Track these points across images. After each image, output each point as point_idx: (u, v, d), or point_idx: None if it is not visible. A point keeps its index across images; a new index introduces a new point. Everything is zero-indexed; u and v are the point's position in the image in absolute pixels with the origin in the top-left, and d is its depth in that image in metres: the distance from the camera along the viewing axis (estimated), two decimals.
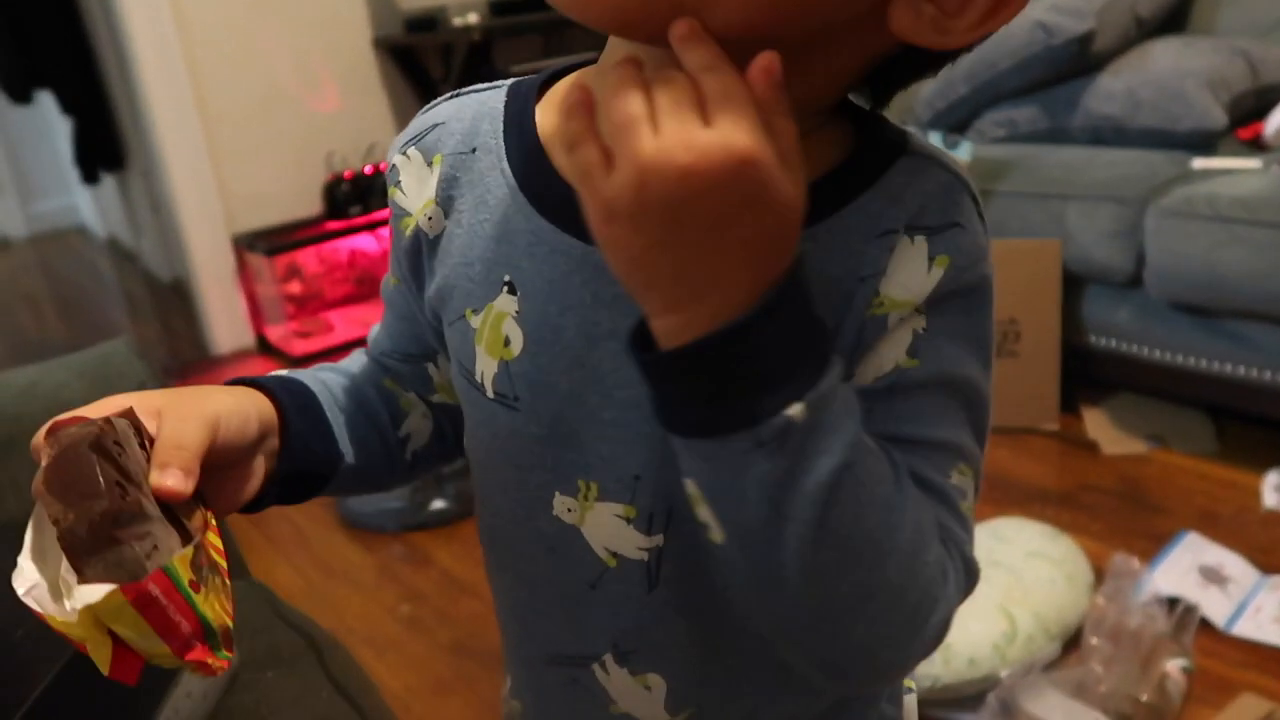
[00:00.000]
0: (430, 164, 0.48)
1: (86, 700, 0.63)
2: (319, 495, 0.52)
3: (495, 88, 0.49)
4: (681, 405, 0.36)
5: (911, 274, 0.40)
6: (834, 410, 0.36)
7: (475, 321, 0.46)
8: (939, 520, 0.40)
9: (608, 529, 0.45)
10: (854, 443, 0.36)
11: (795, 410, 0.35)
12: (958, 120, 2.09)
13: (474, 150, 0.47)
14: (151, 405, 0.42)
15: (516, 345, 0.45)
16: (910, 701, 0.58)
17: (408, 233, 0.49)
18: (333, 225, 2.79)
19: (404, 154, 0.49)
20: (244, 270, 2.79)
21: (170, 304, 3.34)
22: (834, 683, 0.47)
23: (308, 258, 2.77)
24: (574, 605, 0.48)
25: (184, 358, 2.85)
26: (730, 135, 0.33)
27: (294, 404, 0.50)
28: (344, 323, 2.80)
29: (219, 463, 0.43)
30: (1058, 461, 1.76)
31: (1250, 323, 1.59)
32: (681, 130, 0.33)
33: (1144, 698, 1.16)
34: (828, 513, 0.35)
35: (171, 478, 0.39)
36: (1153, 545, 1.47)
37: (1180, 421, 1.80)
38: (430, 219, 0.48)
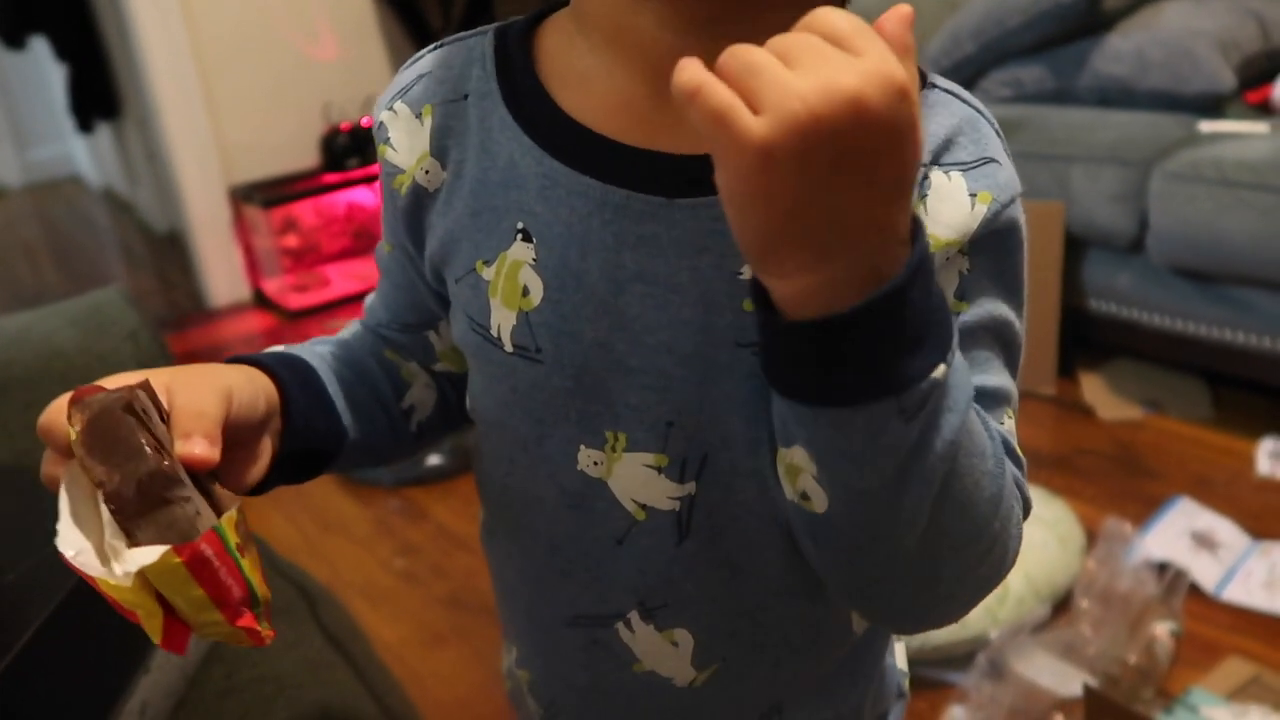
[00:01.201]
0: (420, 116, 0.46)
1: (76, 647, 0.63)
2: (324, 473, 0.51)
3: (479, 33, 0.47)
4: (819, 371, 0.34)
5: (955, 211, 0.40)
6: (958, 363, 0.35)
7: (488, 273, 0.44)
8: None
9: (637, 480, 0.44)
10: (969, 395, 0.37)
11: (939, 372, 0.34)
12: (964, 79, 2.05)
13: (466, 97, 0.45)
14: (159, 381, 0.40)
15: (536, 294, 0.43)
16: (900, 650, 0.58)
17: (403, 190, 0.47)
18: (330, 178, 2.77)
19: (391, 110, 0.48)
20: (240, 222, 2.77)
21: (166, 255, 3.32)
22: (903, 628, 0.50)
23: (305, 210, 2.75)
24: (598, 563, 0.46)
25: (180, 309, 2.84)
26: (887, 62, 0.30)
27: (295, 381, 0.48)
28: (341, 277, 2.79)
29: (230, 440, 0.41)
30: (1053, 426, 1.76)
31: (1251, 289, 1.58)
32: (836, 60, 0.30)
33: (1131, 660, 1.17)
34: (952, 469, 0.36)
35: (199, 446, 0.38)
36: (1146, 510, 1.48)
37: (1177, 387, 1.80)
38: (427, 172, 0.46)
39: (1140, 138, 1.69)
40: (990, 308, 0.42)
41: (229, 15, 2.65)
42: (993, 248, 0.41)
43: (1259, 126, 1.68)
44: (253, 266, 2.82)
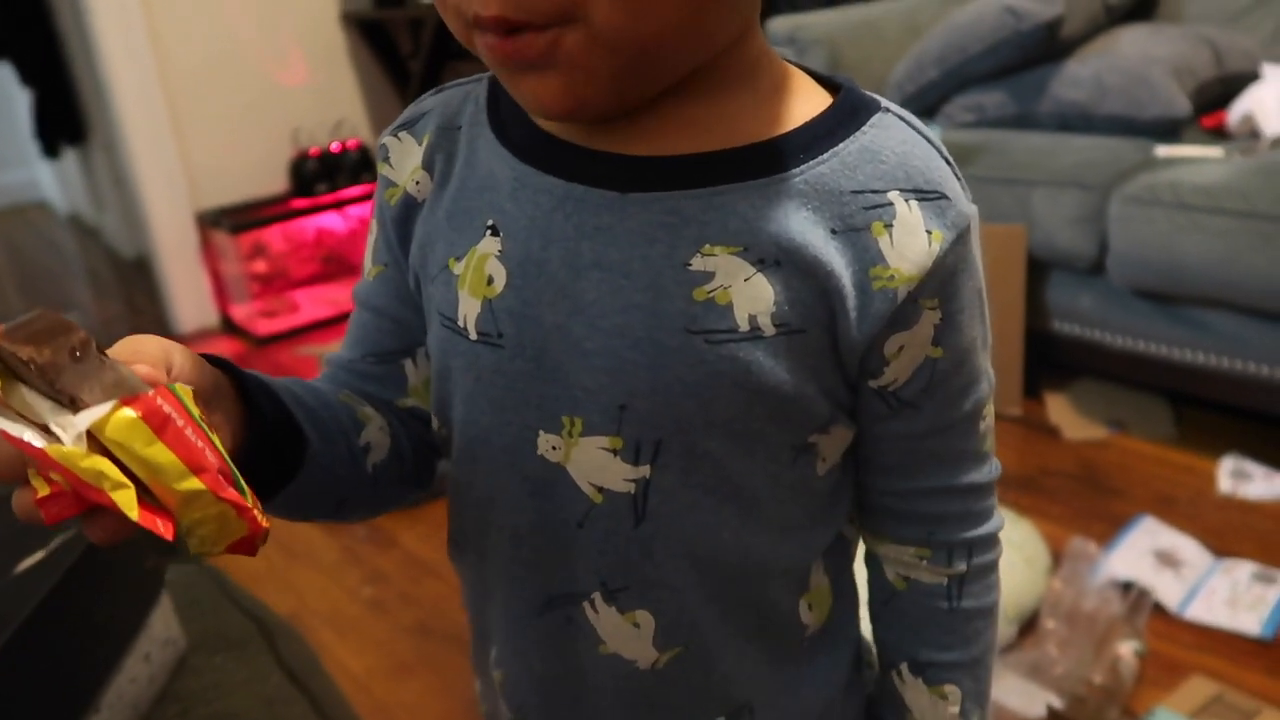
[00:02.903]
0: (420, 143, 0.50)
1: (23, 684, 0.61)
2: (291, 486, 0.47)
3: (476, 79, 0.51)
4: None
5: (916, 248, 0.43)
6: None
7: (458, 268, 0.47)
8: (978, 492, 0.50)
9: (593, 463, 0.46)
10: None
11: None
12: (928, 104, 2.09)
13: (459, 127, 0.50)
14: None
15: (500, 282, 0.45)
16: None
17: (394, 201, 0.51)
18: (299, 203, 2.76)
19: (395, 136, 0.52)
20: (208, 248, 2.75)
21: (133, 281, 3.29)
22: None
23: (273, 236, 2.73)
24: (562, 547, 0.48)
25: None
26: None
27: (250, 376, 0.46)
28: (310, 302, 2.77)
29: None
30: (1020, 446, 1.77)
31: (1209, 310, 1.61)
32: None
33: (1096, 680, 1.18)
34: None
35: (141, 369, 0.35)
36: (1110, 528, 1.49)
37: (1140, 407, 1.82)
38: (418, 183, 0.50)
39: (1099, 162, 1.72)
40: (964, 338, 0.46)
41: (197, 39, 2.64)
42: (952, 286, 0.45)
43: (1213, 151, 1.72)
44: (220, 292, 2.80)
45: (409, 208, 0.50)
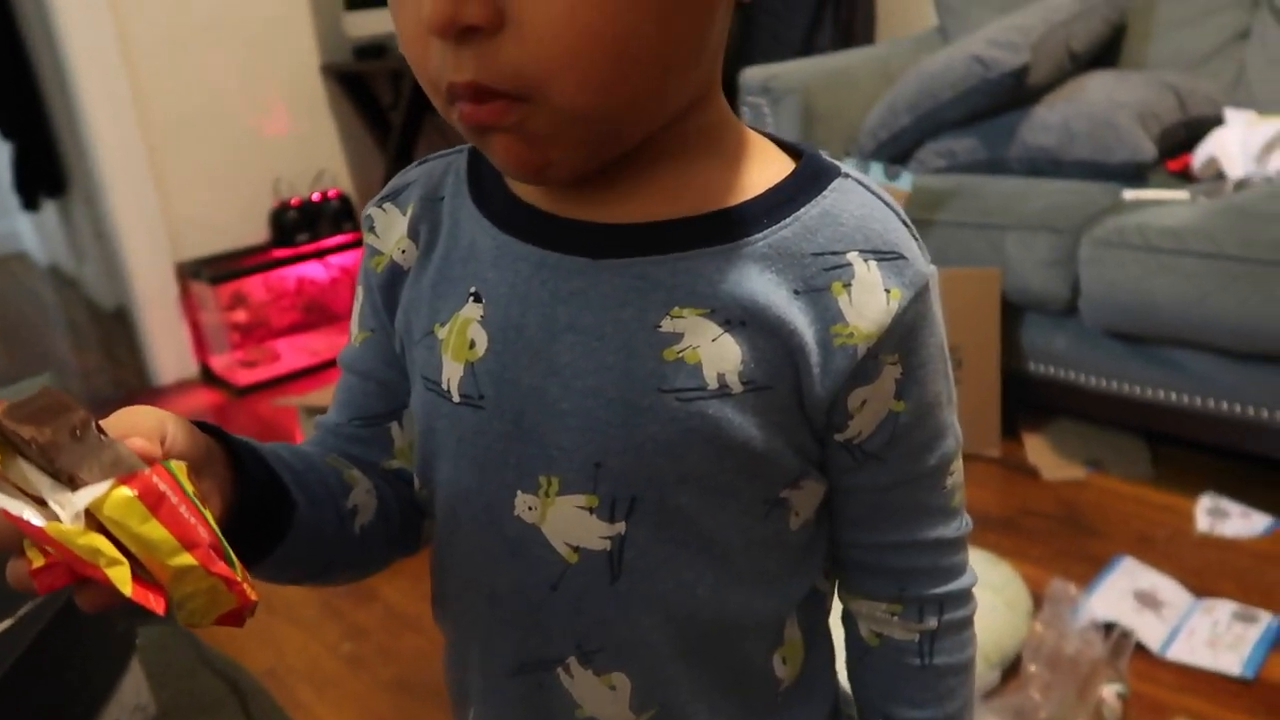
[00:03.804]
0: (404, 213, 0.52)
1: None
2: (279, 549, 0.48)
3: (457, 151, 0.53)
4: None
5: (874, 306, 0.45)
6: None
7: (442, 333, 0.49)
8: (947, 547, 0.51)
9: (569, 522, 0.47)
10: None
11: None
12: (900, 150, 2.12)
13: (441, 198, 0.51)
14: None
15: (481, 346, 0.47)
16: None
17: (380, 269, 0.52)
18: (280, 253, 2.76)
19: (380, 208, 0.54)
20: (188, 298, 2.74)
21: (113, 332, 3.27)
22: None
23: (254, 285, 2.73)
24: (536, 609, 0.49)
25: (126, 387, 2.79)
26: None
27: (238, 440, 0.47)
28: (291, 351, 2.76)
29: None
30: (999, 487, 1.78)
31: (1181, 350, 1.63)
32: None
33: None
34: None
35: (136, 442, 0.37)
36: (1090, 569, 1.49)
37: (1117, 446, 1.83)
38: (404, 252, 0.52)
39: (1069, 206, 1.75)
40: (927, 393, 0.48)
41: (178, 91, 2.66)
42: (911, 341, 0.46)
43: (1180, 194, 1.75)
44: (200, 343, 2.79)
45: (395, 275, 0.52)
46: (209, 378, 2.76)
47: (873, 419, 0.47)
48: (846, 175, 0.47)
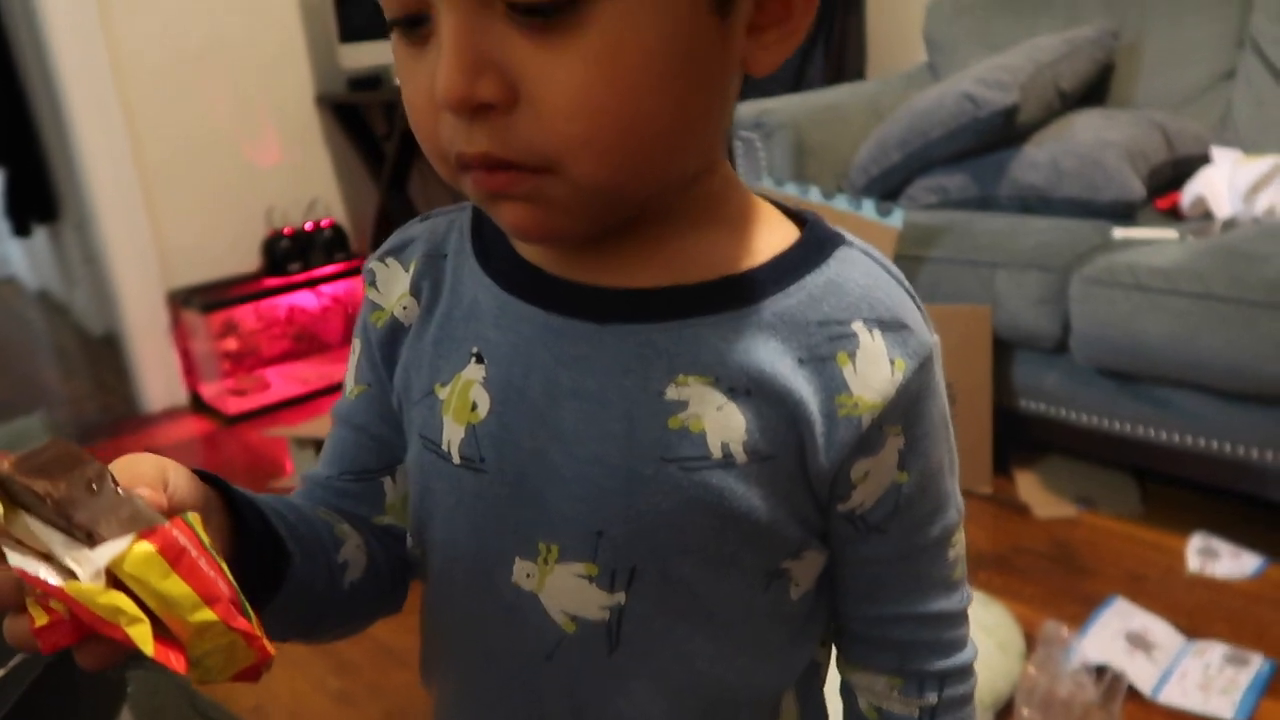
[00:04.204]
0: (406, 269, 0.52)
1: None
2: (273, 604, 0.47)
3: (460, 208, 0.53)
4: None
5: (879, 376, 0.44)
6: None
7: (443, 394, 0.48)
8: (949, 620, 0.50)
9: (567, 591, 0.46)
10: None
11: None
12: (891, 185, 2.14)
13: (445, 255, 0.51)
14: None
15: (483, 408, 0.47)
16: None
17: (380, 324, 0.52)
18: (271, 282, 2.76)
19: (382, 262, 0.53)
20: (178, 326, 2.74)
21: (102, 359, 3.25)
22: None
23: (245, 314, 2.73)
24: (530, 679, 0.48)
25: (114, 414, 2.78)
26: None
27: (234, 489, 0.47)
28: (281, 380, 2.75)
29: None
30: (991, 525, 1.78)
31: (1171, 388, 1.64)
32: None
33: None
34: None
35: (143, 492, 0.36)
36: (1083, 609, 1.49)
37: (1108, 484, 1.84)
38: (405, 308, 0.51)
39: (1059, 244, 1.77)
40: (930, 462, 0.47)
41: (172, 118, 2.66)
42: (915, 412, 0.46)
43: (1168, 233, 1.76)
44: (190, 370, 2.78)
45: (395, 331, 0.52)
46: (198, 405, 2.75)
47: (875, 490, 0.46)
48: (850, 244, 0.48)
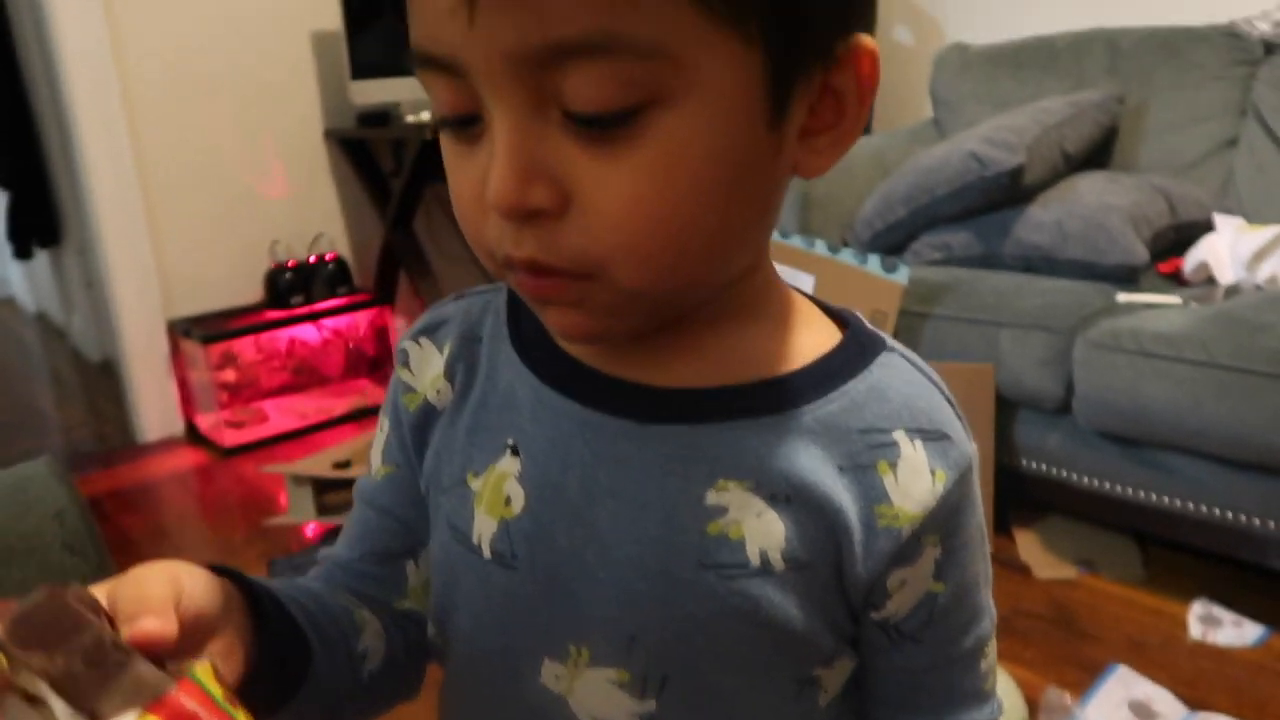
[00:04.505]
0: (441, 350, 0.51)
1: None
2: (294, 700, 0.46)
3: (495, 289, 0.52)
4: None
5: (920, 488, 0.44)
6: None
7: (476, 485, 0.47)
8: None
9: (597, 695, 0.45)
10: None
11: None
12: (895, 240, 2.15)
13: (480, 339, 0.51)
14: (99, 590, 0.38)
15: (518, 504, 0.46)
16: None
17: (413, 407, 0.51)
18: (273, 314, 2.75)
19: (415, 342, 0.52)
20: (177, 355, 2.73)
21: (97, 385, 3.24)
22: None
23: (244, 345, 2.72)
24: None
25: (108, 443, 2.76)
26: None
27: (250, 581, 0.46)
28: (278, 413, 2.74)
29: (191, 631, 0.38)
30: (993, 584, 1.77)
31: (1175, 454, 1.64)
32: None
33: None
34: None
35: (149, 622, 0.35)
36: (1084, 674, 1.48)
37: (1109, 546, 1.83)
38: (439, 392, 0.51)
39: (1063, 305, 1.78)
40: (966, 573, 0.47)
41: (180, 148, 2.67)
42: (953, 523, 0.46)
43: (1172, 298, 1.78)
44: (187, 400, 2.76)
45: (428, 415, 0.51)
46: (194, 436, 2.73)
47: (911, 599, 0.46)
48: (892, 349, 0.48)
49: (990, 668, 0.50)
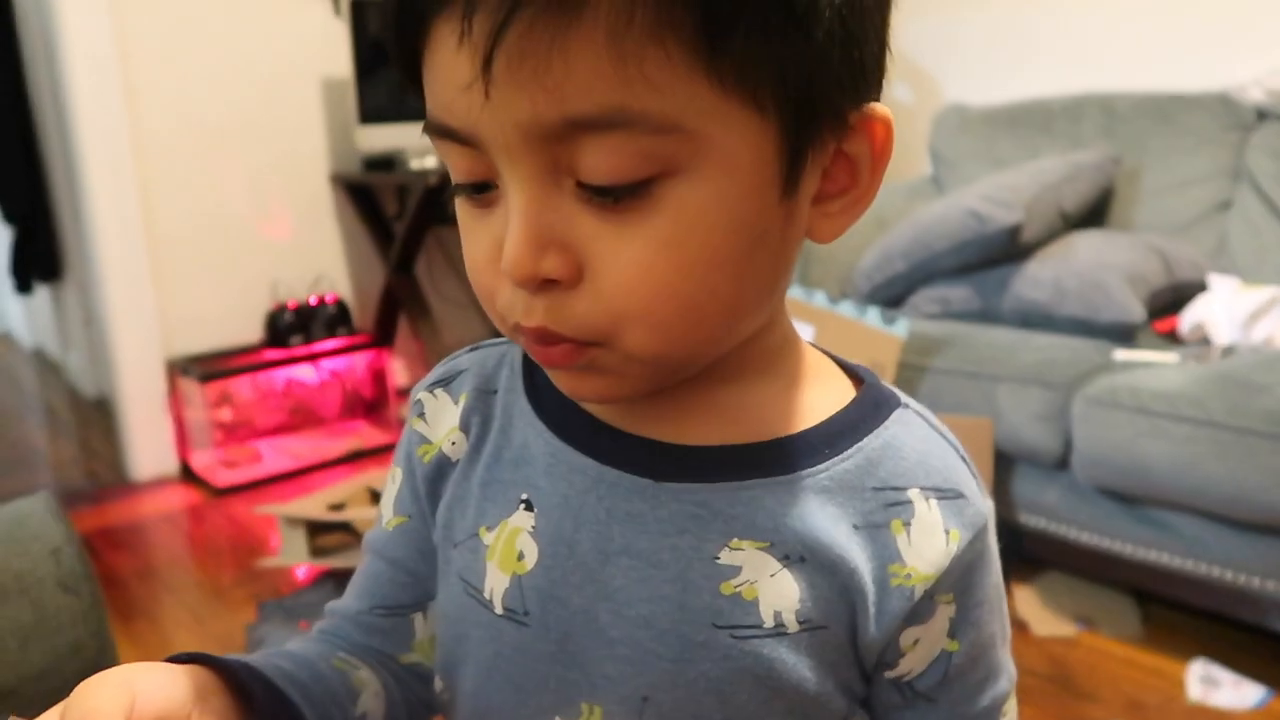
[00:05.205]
0: (456, 402, 0.51)
1: None
2: None
3: (510, 341, 0.52)
4: None
5: (933, 548, 0.44)
6: None
7: (488, 539, 0.47)
8: None
9: None
10: None
11: None
12: (894, 294, 2.17)
13: (495, 392, 0.51)
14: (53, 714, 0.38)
15: (530, 559, 0.46)
16: None
17: (428, 459, 0.51)
18: (271, 354, 2.76)
19: (430, 393, 0.52)
20: (174, 393, 2.72)
21: (92, 422, 3.23)
22: None
23: (241, 384, 2.72)
24: None
25: (100, 480, 2.74)
26: None
27: (228, 662, 0.45)
28: (273, 453, 2.73)
29: None
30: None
31: (1173, 512, 1.64)
32: None
33: None
34: None
35: None
36: None
37: (1107, 604, 1.82)
38: (454, 444, 0.50)
39: (1061, 361, 1.79)
40: (982, 634, 0.46)
41: (185, 191, 2.70)
42: (968, 581, 0.45)
43: (1169, 356, 1.79)
44: (182, 439, 2.75)
45: (442, 467, 0.51)
46: (187, 475, 2.72)
47: (925, 657, 0.45)
48: (906, 406, 0.48)
49: None
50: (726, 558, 0.43)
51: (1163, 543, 1.66)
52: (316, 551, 2.11)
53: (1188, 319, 1.90)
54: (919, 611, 0.44)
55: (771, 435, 0.45)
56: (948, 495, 0.45)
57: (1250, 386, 1.56)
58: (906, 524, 0.44)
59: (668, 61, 0.35)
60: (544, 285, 0.39)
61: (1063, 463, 1.75)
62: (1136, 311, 1.86)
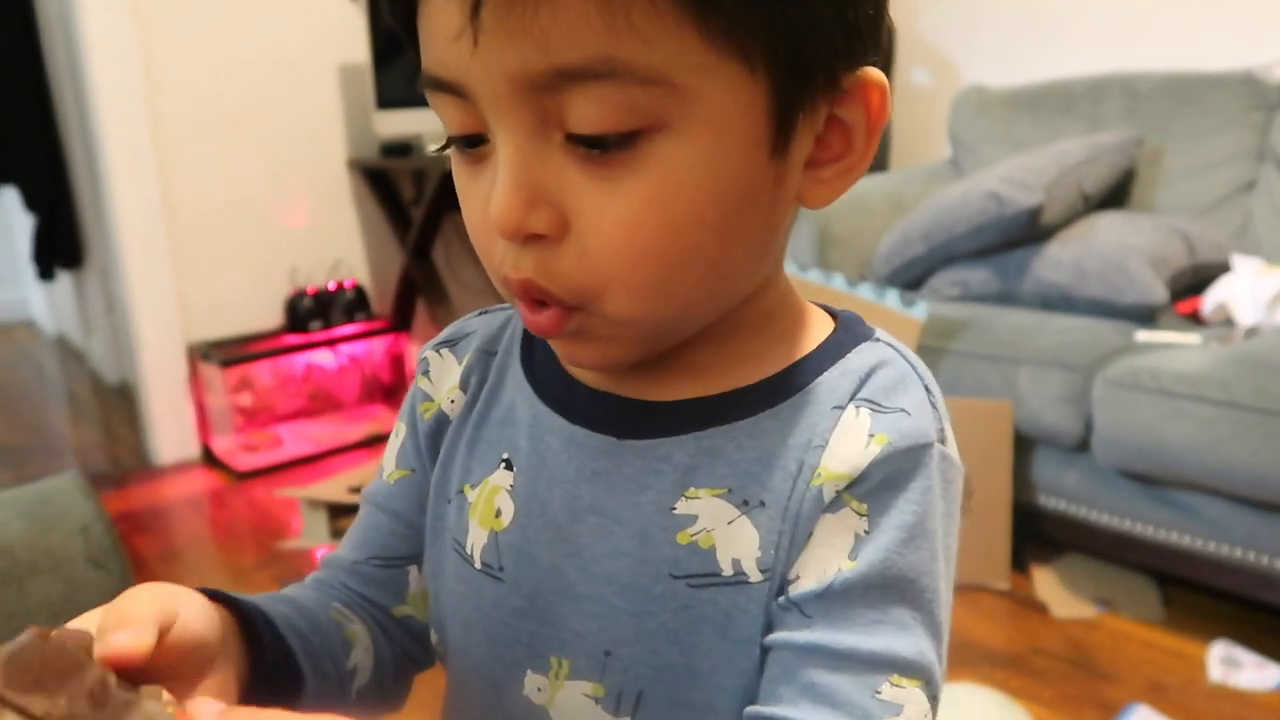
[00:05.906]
0: (460, 362, 0.53)
1: None
2: None
3: None
4: None
5: (850, 447, 0.41)
6: None
7: (472, 496, 0.48)
8: None
9: (575, 709, 0.45)
10: None
11: None
12: (913, 277, 2.16)
13: (495, 353, 0.52)
14: (88, 620, 0.37)
15: (507, 517, 0.47)
16: None
17: (428, 416, 0.52)
18: (291, 339, 2.77)
19: (437, 352, 0.54)
20: (195, 379, 2.75)
21: (114, 408, 3.26)
22: None
23: (261, 370, 2.74)
24: None
25: (122, 465, 2.77)
26: None
27: (242, 604, 0.46)
28: (293, 438, 2.75)
29: (191, 658, 0.38)
30: (1008, 622, 1.75)
31: (1195, 494, 1.63)
32: None
33: None
34: None
35: (124, 635, 0.34)
36: (1103, 715, 1.46)
37: (1128, 586, 1.82)
38: (453, 402, 0.52)
39: (1082, 343, 1.78)
40: (882, 561, 0.40)
41: (205, 177, 2.71)
42: (887, 500, 0.41)
43: (1191, 338, 1.78)
44: (203, 423, 2.78)
45: (440, 425, 0.52)
46: (209, 459, 2.74)
47: (815, 567, 0.41)
48: (878, 339, 0.46)
49: (897, 711, 0.40)
50: (683, 507, 0.43)
51: (1184, 524, 1.65)
52: (337, 534, 2.13)
53: (1210, 300, 1.89)
54: (830, 508, 0.41)
55: (734, 386, 0.45)
56: (885, 410, 0.42)
57: (1274, 368, 1.55)
58: (834, 432, 0.42)
59: (655, 12, 0.35)
60: (531, 239, 0.39)
61: (1083, 445, 1.74)
62: (1158, 293, 1.84)
